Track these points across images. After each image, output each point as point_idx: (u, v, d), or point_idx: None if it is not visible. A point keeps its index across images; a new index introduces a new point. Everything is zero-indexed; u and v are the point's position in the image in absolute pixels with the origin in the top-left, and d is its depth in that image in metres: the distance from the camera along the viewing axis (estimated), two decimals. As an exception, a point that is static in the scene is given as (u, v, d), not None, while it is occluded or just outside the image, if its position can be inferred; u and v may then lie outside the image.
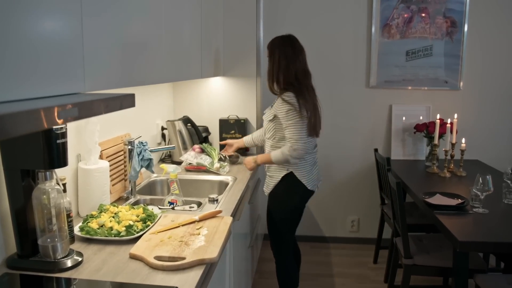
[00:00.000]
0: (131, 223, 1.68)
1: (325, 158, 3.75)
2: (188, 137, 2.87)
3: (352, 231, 3.89)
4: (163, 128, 2.89)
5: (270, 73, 2.42)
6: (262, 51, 3.15)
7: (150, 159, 2.16)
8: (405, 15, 3.56)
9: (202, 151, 2.81)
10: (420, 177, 3.13)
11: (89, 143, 1.84)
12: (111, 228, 1.63)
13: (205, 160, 2.68)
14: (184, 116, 2.95)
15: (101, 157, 2.02)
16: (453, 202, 2.43)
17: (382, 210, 3.47)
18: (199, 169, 2.65)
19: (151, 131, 2.83)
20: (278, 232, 2.54)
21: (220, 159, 2.81)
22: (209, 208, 2.02)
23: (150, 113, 2.82)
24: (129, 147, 2.15)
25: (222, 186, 2.50)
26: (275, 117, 2.37)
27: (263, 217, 3.11)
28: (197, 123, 3.08)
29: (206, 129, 3.12)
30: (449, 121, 3.25)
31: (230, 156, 2.85)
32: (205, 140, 3.04)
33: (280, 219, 2.51)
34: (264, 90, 3.08)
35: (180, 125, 2.84)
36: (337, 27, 3.63)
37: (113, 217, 1.73)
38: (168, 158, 2.94)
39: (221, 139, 3.09)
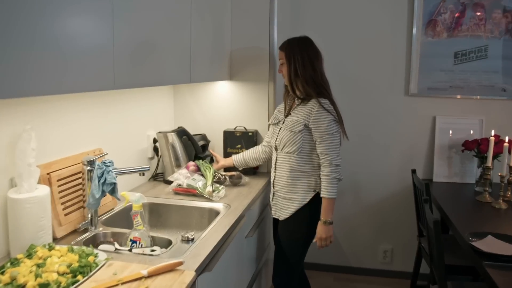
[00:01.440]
0: (55, 277, 1.25)
1: (354, 176, 3.21)
2: (183, 152, 2.44)
3: (384, 263, 3.32)
4: (155, 141, 2.47)
5: (293, 74, 2.13)
6: (276, 52, 2.66)
7: (114, 184, 1.74)
8: (454, 9, 2.97)
9: (198, 169, 2.37)
10: (468, 207, 2.55)
11: (20, 165, 1.44)
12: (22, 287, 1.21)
13: (197, 181, 2.23)
14: (179, 127, 2.52)
15: (49, 181, 1.62)
16: (510, 249, 1.85)
17: (419, 243, 2.89)
18: (189, 192, 2.20)
19: (140, 144, 2.41)
20: (290, 265, 2.21)
21: (218, 180, 2.35)
22: (180, 251, 1.57)
23: (140, 123, 2.40)
24: (89, 167, 1.73)
25: (212, 215, 2.04)
26: (305, 127, 2.06)
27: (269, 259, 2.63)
28: (197, 133, 2.66)
29: (203, 137, 2.68)
30: (506, 138, 2.65)
31: (231, 177, 2.38)
32: (203, 149, 2.61)
33: (298, 250, 2.20)
34: (278, 97, 2.61)
35: (173, 138, 2.41)
36: (369, 25, 3.09)
37: (38, 265, 1.31)
38: (161, 176, 2.52)
39: (226, 155, 2.63)
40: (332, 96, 2.15)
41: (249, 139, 2.58)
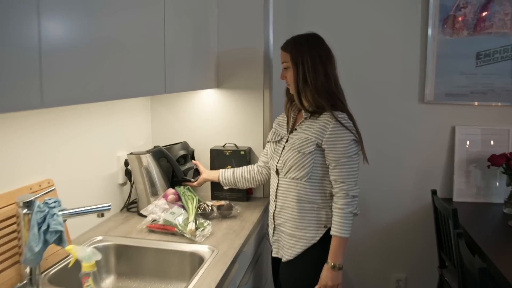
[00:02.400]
0: None
1: (362, 194, 2.73)
2: (160, 177, 2.00)
3: (398, 294, 2.89)
4: (127, 163, 2.03)
5: (301, 82, 1.72)
6: (272, 54, 2.23)
7: (61, 232, 1.30)
8: (476, 3, 2.57)
9: (179, 198, 1.93)
10: (499, 234, 2.18)
11: None
12: None
13: (176, 215, 1.79)
14: (155, 147, 2.08)
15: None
16: None
17: (440, 274, 2.47)
18: (167, 230, 1.76)
19: (108, 168, 1.97)
20: None
21: (203, 212, 1.91)
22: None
23: (108, 142, 1.96)
24: (25, 210, 1.29)
25: (196, 261, 1.60)
26: (317, 147, 1.67)
27: None
28: (176, 141, 2.27)
29: (184, 146, 2.23)
30: (544, 153, 2.24)
31: (219, 208, 1.95)
32: (184, 160, 2.19)
33: None
34: (276, 108, 2.18)
35: (148, 160, 1.97)
36: (378, 22, 2.67)
37: None
38: (134, 206, 2.07)
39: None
40: (348, 108, 1.74)
41: (241, 158, 2.15)
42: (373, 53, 2.71)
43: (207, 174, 2.12)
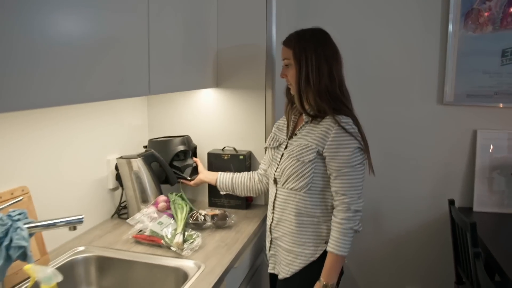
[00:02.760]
0: None
1: (375, 202, 2.62)
2: (151, 183, 1.87)
3: (412, 309, 2.71)
4: (118, 168, 1.91)
5: (303, 82, 1.54)
6: (275, 51, 2.07)
7: (24, 247, 1.18)
8: (503, -4, 2.35)
9: (173, 203, 1.80)
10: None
11: None
12: None
13: (164, 226, 1.66)
14: (146, 150, 1.95)
15: None
16: None
17: (458, 291, 2.28)
18: (153, 241, 1.63)
19: (98, 172, 1.85)
20: None
21: (195, 222, 1.78)
22: None
23: (98, 145, 1.85)
24: (-15, 224, 1.18)
25: (180, 279, 1.47)
26: (318, 155, 1.51)
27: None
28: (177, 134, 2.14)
29: (185, 141, 2.05)
30: None
31: (213, 217, 1.81)
32: (184, 156, 2.05)
33: None
34: (279, 109, 2.03)
35: (138, 165, 1.84)
36: (393, 15, 2.48)
37: None
38: (125, 213, 1.95)
39: (210, 184, 2.06)
40: (354, 113, 1.56)
41: (240, 163, 2.00)
42: (387, 50, 2.52)
43: (205, 175, 1.98)
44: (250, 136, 2.11)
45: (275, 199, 1.64)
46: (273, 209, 1.64)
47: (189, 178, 1.99)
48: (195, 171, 2.03)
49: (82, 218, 1.30)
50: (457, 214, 2.11)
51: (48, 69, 1.06)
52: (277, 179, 1.62)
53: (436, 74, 2.49)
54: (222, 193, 1.94)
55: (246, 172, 1.93)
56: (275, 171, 1.63)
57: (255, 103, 2.09)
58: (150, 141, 2.05)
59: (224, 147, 2.12)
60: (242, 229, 1.83)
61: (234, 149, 2.09)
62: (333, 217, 1.51)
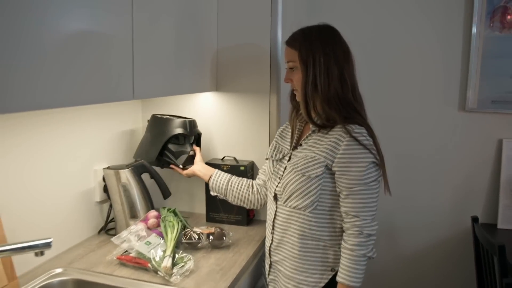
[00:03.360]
0: None
1: (389, 216, 2.41)
2: (141, 197, 1.69)
3: (430, 333, 2.48)
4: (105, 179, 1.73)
5: (310, 87, 1.35)
6: (280, 52, 1.88)
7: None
8: (533, -8, 2.13)
9: (163, 221, 1.62)
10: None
11: None
12: None
13: (152, 246, 1.48)
14: (137, 160, 1.77)
15: None
16: None
17: (482, 318, 2.06)
18: (139, 264, 1.44)
19: (84, 184, 1.68)
20: None
21: (189, 241, 1.59)
22: None
23: (84, 153, 1.68)
24: None
25: (166, 311, 1.29)
26: (326, 169, 1.32)
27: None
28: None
29: (185, 124, 1.79)
30: None
31: (209, 236, 1.62)
32: (184, 140, 1.82)
33: None
34: (285, 115, 1.83)
35: (127, 176, 1.66)
36: (410, 14, 2.27)
37: None
38: (113, 228, 1.77)
39: (208, 197, 1.88)
40: (368, 121, 1.38)
41: (241, 175, 1.81)
42: (403, 51, 2.31)
43: (199, 168, 1.74)
44: (252, 145, 1.92)
45: (275, 218, 1.45)
46: (273, 229, 1.45)
47: (181, 166, 1.78)
48: (191, 160, 1.80)
49: (50, 242, 1.12)
50: (482, 234, 1.89)
51: (16, 71, 0.88)
52: (278, 196, 1.43)
53: (458, 77, 2.28)
54: (212, 193, 1.71)
55: (245, 179, 1.71)
56: (276, 186, 1.44)
57: (259, 109, 1.90)
58: (153, 116, 1.85)
59: (223, 157, 1.93)
60: (241, 249, 1.64)
61: (235, 159, 1.90)
62: (343, 242, 1.32)
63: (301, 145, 1.42)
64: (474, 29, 2.20)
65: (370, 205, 1.30)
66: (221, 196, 1.70)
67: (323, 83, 1.32)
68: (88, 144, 1.69)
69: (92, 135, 1.71)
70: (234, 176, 1.70)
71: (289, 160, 1.43)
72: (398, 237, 2.46)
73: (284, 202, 1.40)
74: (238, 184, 1.68)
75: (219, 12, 1.88)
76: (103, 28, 1.16)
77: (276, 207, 1.44)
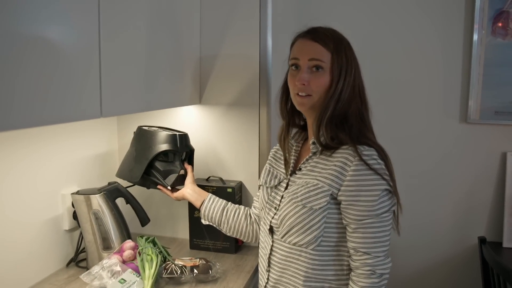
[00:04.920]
0: None
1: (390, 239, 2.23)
2: (115, 226, 1.49)
3: None
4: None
5: (332, 99, 1.16)
6: (270, 59, 1.71)
7: None
8: (538, -4, 2.01)
9: (140, 254, 1.43)
10: None
11: None
12: None
13: (127, 285, 1.28)
14: (110, 183, 1.57)
15: None
16: None
17: None
18: (111, 307, 1.25)
19: (51, 210, 1.48)
20: None
21: (170, 275, 1.40)
22: None
23: (51, 175, 1.48)
24: None
25: None
26: (332, 199, 1.13)
27: None
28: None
29: (174, 139, 1.54)
30: None
31: (193, 269, 1.42)
32: (174, 158, 1.57)
33: None
34: (275, 129, 1.66)
35: (98, 202, 1.47)
36: (409, 21, 2.13)
37: None
38: (84, 259, 1.57)
39: (192, 221, 1.69)
40: (376, 141, 1.21)
41: (228, 197, 1.62)
42: (401, 59, 2.16)
43: (189, 192, 1.51)
44: (240, 164, 1.74)
45: (271, 254, 1.25)
46: (269, 266, 1.26)
47: (169, 187, 1.54)
48: (181, 180, 1.56)
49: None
50: (492, 257, 1.74)
51: None
52: (275, 229, 1.23)
53: (459, 87, 2.14)
54: (204, 222, 1.49)
55: (243, 207, 1.49)
56: (272, 217, 1.24)
57: (247, 123, 1.73)
58: (139, 128, 1.61)
59: (208, 177, 1.75)
60: (230, 283, 1.45)
61: (221, 179, 1.71)
62: (351, 283, 1.13)
63: (300, 169, 1.23)
64: (475, 36, 2.07)
65: (382, 239, 1.12)
66: (214, 225, 1.48)
67: (346, 98, 1.16)
68: (54, 165, 1.49)
69: (59, 154, 1.51)
70: (229, 203, 1.49)
71: (286, 187, 1.24)
72: (396, 256, 2.29)
73: (282, 237, 1.20)
74: (234, 213, 1.45)
75: (202, 17, 1.71)
76: (63, 36, 0.97)
77: (273, 242, 1.24)
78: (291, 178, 1.24)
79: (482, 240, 1.90)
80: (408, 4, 2.12)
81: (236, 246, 1.69)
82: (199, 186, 1.64)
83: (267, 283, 1.27)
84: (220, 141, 1.75)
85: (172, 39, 1.52)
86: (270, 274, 1.25)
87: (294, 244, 1.17)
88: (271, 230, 1.24)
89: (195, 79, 1.70)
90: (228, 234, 1.48)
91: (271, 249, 1.24)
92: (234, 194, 1.65)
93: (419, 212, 2.23)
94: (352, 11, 2.16)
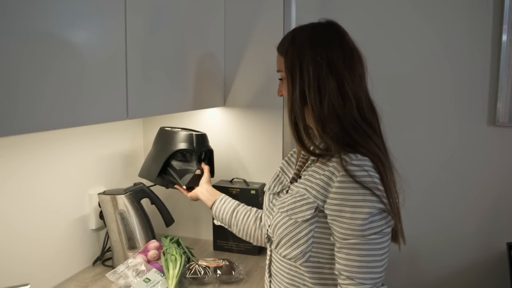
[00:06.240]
0: None
1: (409, 240, 2.16)
2: (140, 226, 1.52)
3: None
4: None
5: (296, 105, 1.04)
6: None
7: None
8: None
9: (164, 254, 1.45)
10: None
11: None
12: None
13: (152, 284, 1.30)
14: (136, 184, 1.59)
15: None
16: None
17: None
18: (136, 306, 1.27)
19: (78, 210, 1.52)
20: None
21: (194, 275, 1.41)
22: None
23: (78, 175, 1.52)
24: None
25: None
26: (318, 212, 1.01)
27: None
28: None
29: (191, 139, 1.54)
30: None
31: (216, 270, 1.44)
32: (191, 157, 1.57)
33: None
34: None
35: (124, 203, 1.49)
36: (433, 21, 2.09)
37: None
38: (110, 258, 1.60)
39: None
40: (381, 147, 1.04)
41: (251, 199, 1.63)
42: (424, 60, 2.12)
43: (202, 191, 1.46)
44: (264, 166, 1.74)
45: (270, 264, 1.18)
46: (270, 276, 1.19)
47: (184, 186, 1.53)
48: (197, 180, 1.53)
49: (27, 290, 0.95)
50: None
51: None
52: (271, 237, 1.12)
53: (487, 89, 2.09)
54: (216, 223, 1.44)
55: (255, 209, 1.41)
56: (269, 225, 1.14)
57: (271, 125, 1.73)
58: (160, 129, 1.64)
59: (232, 179, 1.76)
60: (253, 285, 1.46)
61: (245, 181, 1.72)
62: None
63: (300, 177, 1.11)
64: (504, 37, 2.02)
65: (371, 265, 0.95)
66: (225, 227, 1.42)
67: (313, 99, 1.01)
68: (81, 166, 1.53)
69: (86, 156, 1.55)
70: (241, 205, 1.40)
71: (281, 197, 1.14)
72: (420, 261, 2.26)
73: (275, 248, 1.10)
74: (244, 216, 1.36)
75: (226, 19, 1.72)
76: (90, 40, 1.00)
77: (271, 251, 1.17)
78: (291, 186, 1.13)
79: (510, 246, 1.85)
80: (436, 2, 2.08)
81: (259, 248, 1.70)
82: (223, 187, 1.66)
83: None
84: (244, 143, 1.76)
85: (197, 41, 1.54)
86: (271, 284, 1.18)
87: (284, 257, 1.07)
88: (268, 239, 1.16)
89: (218, 82, 1.72)
90: (239, 236, 1.40)
91: (270, 259, 1.17)
92: (257, 196, 1.65)
93: (445, 217, 2.18)
94: (376, 6, 2.13)
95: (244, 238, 1.37)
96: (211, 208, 1.43)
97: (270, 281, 1.18)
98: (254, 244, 1.37)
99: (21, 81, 0.81)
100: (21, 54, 0.80)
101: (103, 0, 1.02)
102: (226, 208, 1.38)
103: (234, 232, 1.39)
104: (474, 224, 2.16)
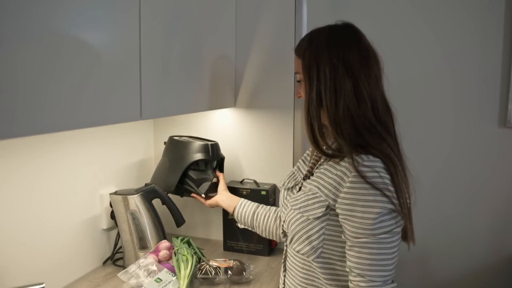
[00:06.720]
0: None
1: (421, 241, 2.16)
2: (152, 226, 1.52)
3: None
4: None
5: (312, 106, 1.06)
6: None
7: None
8: None
9: (175, 254, 1.45)
10: None
11: None
12: None
13: (163, 284, 1.31)
14: (147, 184, 1.60)
15: None
16: None
17: None
18: (148, 306, 1.27)
19: (90, 210, 1.52)
20: None
21: (205, 276, 1.41)
22: None
23: (89, 176, 1.52)
24: None
25: None
26: (329, 210, 1.05)
27: None
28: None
29: (206, 148, 1.61)
30: None
31: (227, 270, 1.44)
32: (206, 166, 1.64)
33: None
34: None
35: (136, 203, 1.50)
36: (443, 17, 2.08)
37: None
38: (121, 258, 1.61)
39: (225, 223, 1.70)
40: (394, 148, 1.06)
41: (262, 200, 1.63)
42: (434, 59, 2.11)
43: (223, 198, 1.54)
44: (274, 166, 1.74)
45: (285, 259, 1.22)
46: (285, 271, 1.22)
47: (203, 195, 1.59)
48: (214, 187, 1.61)
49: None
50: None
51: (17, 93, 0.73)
52: (286, 232, 1.17)
53: (498, 89, 2.07)
54: (240, 226, 1.50)
55: (274, 208, 1.45)
56: (284, 221, 1.18)
57: (281, 126, 1.73)
58: (170, 138, 1.68)
59: (243, 179, 1.76)
60: (263, 285, 1.46)
61: (255, 181, 1.72)
62: None
63: (313, 174, 1.15)
64: (516, 36, 2.01)
65: (381, 263, 0.99)
66: (250, 229, 1.48)
67: (329, 100, 1.03)
68: (93, 166, 1.54)
69: (97, 156, 1.55)
70: (260, 206, 1.46)
71: (294, 195, 1.18)
72: (429, 261, 2.25)
73: (290, 243, 1.15)
74: (264, 217, 1.42)
75: (237, 19, 1.73)
76: (105, 40, 1.00)
77: (286, 246, 1.21)
78: (304, 183, 1.17)
79: (523, 248, 1.84)
80: (448, 4, 2.07)
81: (269, 248, 1.70)
82: (233, 188, 1.66)
83: (283, 287, 1.23)
84: (255, 144, 1.76)
85: (210, 41, 1.54)
86: (286, 279, 1.21)
87: (297, 252, 1.10)
88: (284, 234, 1.18)
89: (230, 83, 1.72)
90: (263, 236, 1.46)
91: (285, 255, 1.21)
92: (268, 196, 1.65)
93: (455, 218, 2.17)
94: (389, 5, 2.12)
95: (269, 238, 1.44)
96: (232, 213, 1.50)
97: (284, 275, 1.21)
98: (278, 241, 1.47)
99: (33, 81, 0.82)
100: (35, 54, 0.81)
101: (116, 0, 1.03)
102: (246, 212, 1.45)
103: (258, 232, 1.46)
104: (484, 226, 2.14)
